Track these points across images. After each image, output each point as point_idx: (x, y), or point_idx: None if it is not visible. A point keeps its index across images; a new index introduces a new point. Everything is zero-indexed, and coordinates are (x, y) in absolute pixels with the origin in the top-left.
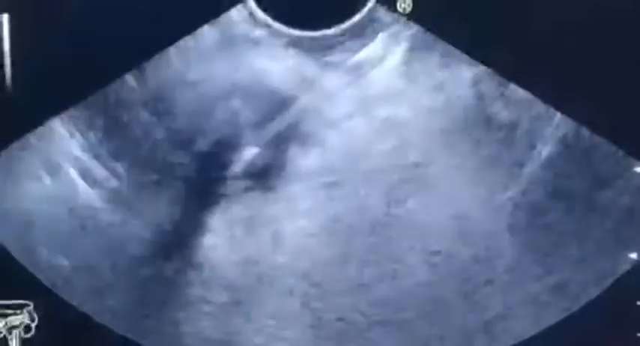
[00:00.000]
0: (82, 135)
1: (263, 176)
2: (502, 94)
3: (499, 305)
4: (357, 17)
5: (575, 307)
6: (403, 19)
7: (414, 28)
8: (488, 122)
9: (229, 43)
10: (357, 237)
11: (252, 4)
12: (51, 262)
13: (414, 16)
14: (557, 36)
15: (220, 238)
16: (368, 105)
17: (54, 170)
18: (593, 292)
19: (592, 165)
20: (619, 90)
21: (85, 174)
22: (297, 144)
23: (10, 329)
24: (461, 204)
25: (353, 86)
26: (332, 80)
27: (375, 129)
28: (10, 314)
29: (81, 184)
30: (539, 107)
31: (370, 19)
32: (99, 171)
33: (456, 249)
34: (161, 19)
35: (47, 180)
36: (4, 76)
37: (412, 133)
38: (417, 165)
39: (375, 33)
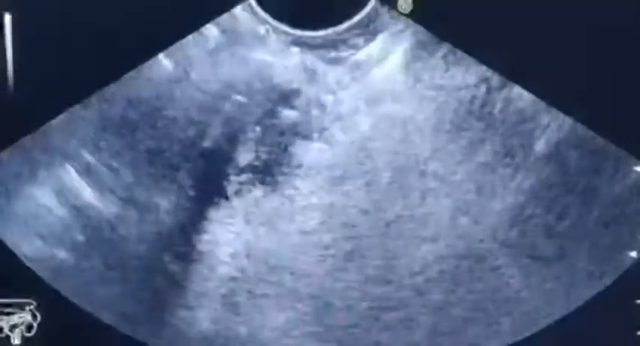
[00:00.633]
0: (83, 132)
1: (266, 171)
2: (503, 94)
3: (494, 304)
4: (357, 17)
5: (575, 306)
6: (404, 18)
7: (415, 28)
8: (488, 121)
9: (233, 40)
10: (362, 233)
11: (254, 4)
12: (52, 258)
13: (414, 16)
14: (558, 35)
15: (223, 234)
16: (370, 103)
17: (55, 168)
18: (593, 290)
19: (592, 164)
20: (620, 90)
21: (86, 172)
22: (301, 139)
23: (12, 327)
24: (462, 202)
25: (356, 83)
26: (336, 75)
27: (377, 126)
28: (13, 313)
29: (81, 182)
30: (541, 106)
31: (371, 19)
32: (100, 168)
33: (457, 245)
34: (164, 18)
35: (48, 178)
36: (6, 75)
37: (413, 132)
38: (418, 162)
39: (376, 33)
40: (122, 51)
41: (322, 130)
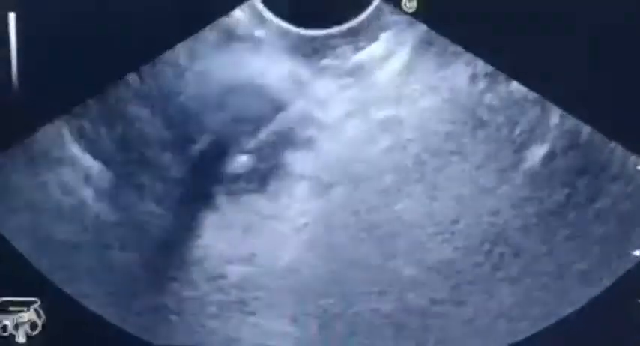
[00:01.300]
0: (83, 135)
1: (259, 178)
2: (506, 92)
3: (498, 303)
4: (362, 17)
5: (578, 304)
6: (408, 18)
7: (419, 27)
8: (491, 120)
9: (229, 45)
10: (354, 238)
11: (259, 3)
12: (54, 258)
13: (418, 15)
14: (560, 34)
15: (216, 239)
16: (370, 104)
17: (56, 169)
18: (596, 289)
19: (594, 163)
20: (621, 88)
21: (85, 173)
22: (292, 147)
23: (17, 325)
24: (461, 202)
25: (354, 85)
26: (326, 84)
27: (376, 127)
28: (17, 311)
29: (81, 183)
30: (543, 105)
31: (375, 18)
32: (98, 170)
33: (453, 248)
34: (165, 19)
35: (50, 178)
36: (10, 74)
37: (416, 131)
38: (416, 164)
39: (380, 32)
40: (124, 51)
41: (313, 137)
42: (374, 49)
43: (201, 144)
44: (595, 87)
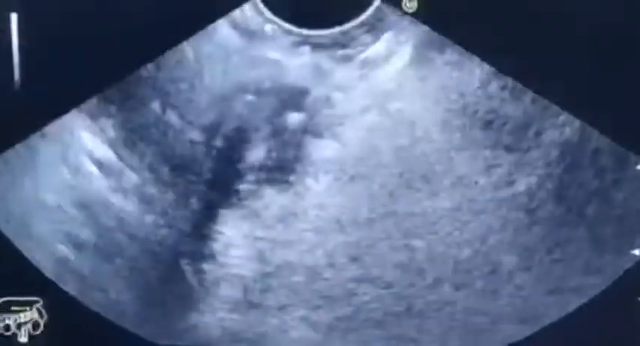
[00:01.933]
0: (98, 128)
1: (278, 169)
2: (507, 93)
3: (500, 301)
4: (362, 17)
5: (578, 303)
6: (408, 18)
7: (419, 27)
8: (493, 120)
9: (243, 37)
10: (372, 230)
11: (259, 3)
12: (61, 255)
13: (419, 16)
14: (562, 34)
15: (236, 231)
16: (376, 101)
17: (70, 163)
18: (596, 288)
19: (596, 163)
20: (624, 89)
21: (101, 168)
22: (311, 137)
23: (19, 325)
24: (467, 199)
25: (364, 81)
26: (345, 73)
27: (385, 125)
28: (20, 311)
29: (96, 177)
30: (545, 105)
31: (375, 18)
32: (114, 164)
33: (463, 242)
34: (173, 15)
35: (62, 173)
36: (12, 73)
37: (418, 130)
38: (424, 161)
39: (381, 32)
40: (126, 50)
41: (332, 128)
42: (374, 50)
43: (219, 136)
44: (596, 86)
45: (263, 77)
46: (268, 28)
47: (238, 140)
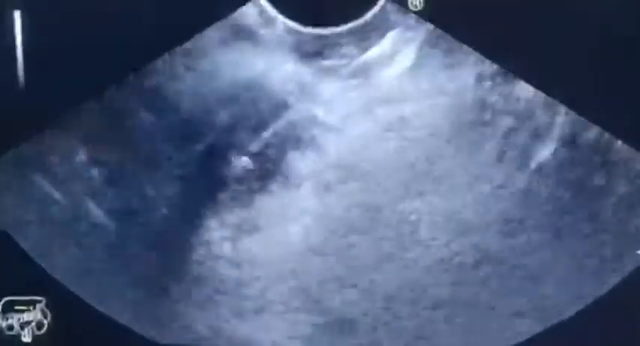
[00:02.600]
0: (85, 135)
1: (262, 178)
2: (512, 91)
3: (501, 303)
4: (368, 15)
5: (583, 304)
6: (414, 16)
7: (425, 26)
8: (496, 118)
9: (233, 45)
10: (359, 236)
11: (264, 2)
12: (60, 257)
13: (425, 14)
14: (565, 33)
15: (219, 240)
16: (376, 103)
17: (58, 169)
18: (601, 289)
19: (599, 162)
20: (626, 87)
21: (88, 174)
22: (295, 146)
23: (23, 325)
24: (466, 200)
25: (359, 86)
26: (330, 85)
27: (381, 127)
28: (24, 310)
29: (84, 183)
30: (548, 104)
31: (381, 17)
32: (100, 171)
33: (459, 245)
34: (170, 18)
35: (54, 178)
36: (16, 71)
37: (420, 130)
38: (421, 163)
39: (386, 31)
40: (128, 49)
41: (316, 138)
42: (380, 48)
43: (204, 144)
44: (601, 85)
45: (249, 86)
46: (262, 31)
47: (222, 148)
